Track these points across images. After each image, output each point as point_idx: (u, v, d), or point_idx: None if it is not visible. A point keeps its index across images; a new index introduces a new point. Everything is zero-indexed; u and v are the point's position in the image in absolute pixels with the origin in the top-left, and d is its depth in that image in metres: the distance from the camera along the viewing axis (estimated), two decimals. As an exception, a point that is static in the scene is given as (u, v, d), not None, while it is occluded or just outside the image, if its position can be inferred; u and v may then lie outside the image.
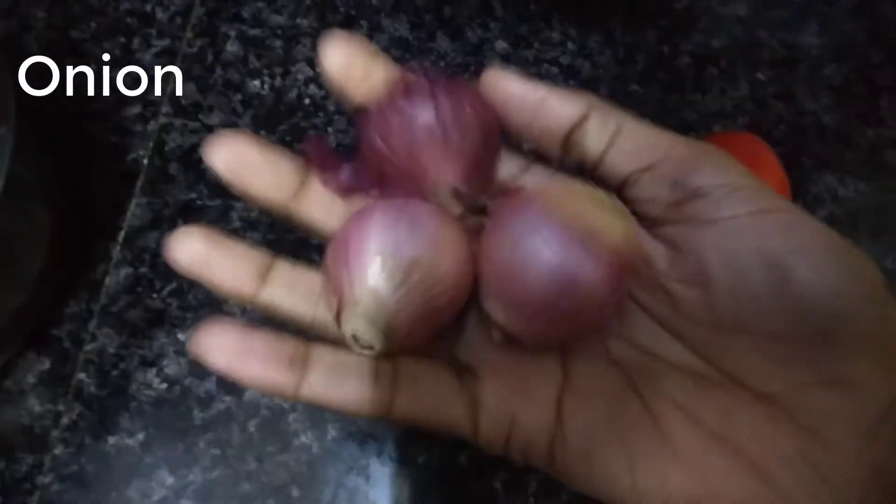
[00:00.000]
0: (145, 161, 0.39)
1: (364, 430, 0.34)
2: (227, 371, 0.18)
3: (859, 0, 0.45)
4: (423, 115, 0.19)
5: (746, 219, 0.18)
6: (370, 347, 0.17)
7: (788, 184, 0.36)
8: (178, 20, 0.42)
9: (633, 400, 0.19)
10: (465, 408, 0.19)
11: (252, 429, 0.34)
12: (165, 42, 0.42)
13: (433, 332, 0.19)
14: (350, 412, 0.19)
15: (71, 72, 0.40)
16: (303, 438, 0.34)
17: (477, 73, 0.39)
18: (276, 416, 0.34)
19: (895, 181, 0.40)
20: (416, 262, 0.17)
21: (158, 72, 0.41)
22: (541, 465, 0.19)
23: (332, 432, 0.34)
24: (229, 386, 0.35)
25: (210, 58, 0.41)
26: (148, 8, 0.42)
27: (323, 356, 0.19)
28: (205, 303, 0.36)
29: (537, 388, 0.19)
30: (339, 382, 0.19)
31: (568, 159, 0.20)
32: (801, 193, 0.39)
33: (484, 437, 0.19)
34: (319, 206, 0.20)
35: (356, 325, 0.17)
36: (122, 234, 0.38)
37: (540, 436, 0.19)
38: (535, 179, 0.21)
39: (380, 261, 0.17)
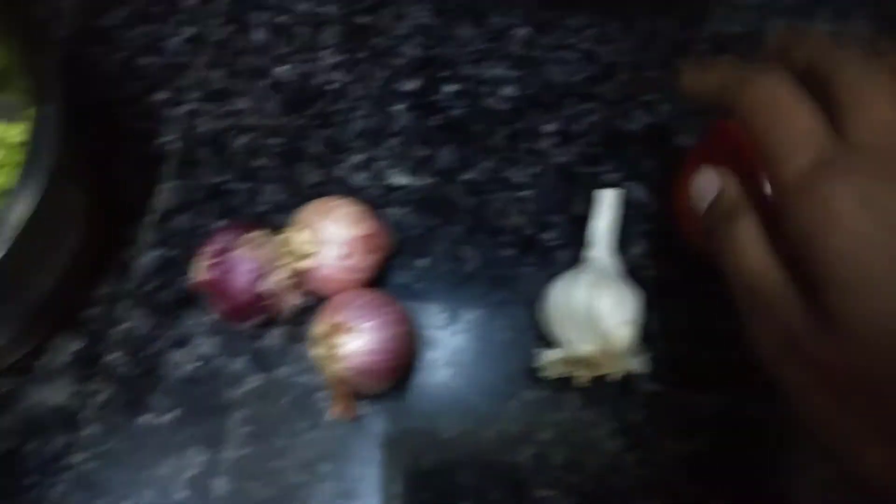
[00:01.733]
0: (175, 146, 0.40)
1: (392, 407, 0.35)
2: None
3: (876, -15, 0.45)
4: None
5: None
6: None
7: None
8: (207, 7, 0.43)
9: None
10: None
11: (282, 406, 0.35)
12: (194, 29, 0.42)
13: None
14: None
15: (101, 58, 0.41)
16: (337, 412, 0.34)
17: (499, 60, 0.40)
18: (307, 393, 0.35)
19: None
20: None
21: (187, 58, 0.41)
22: None
23: (361, 409, 0.35)
24: (260, 364, 0.35)
25: (238, 44, 0.42)
26: (172, -4, 0.43)
27: None
28: (235, 283, 0.37)
29: None
30: None
31: None
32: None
33: None
34: None
35: None
36: (152, 218, 0.39)
37: None
38: None
39: None
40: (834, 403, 0.22)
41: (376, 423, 0.35)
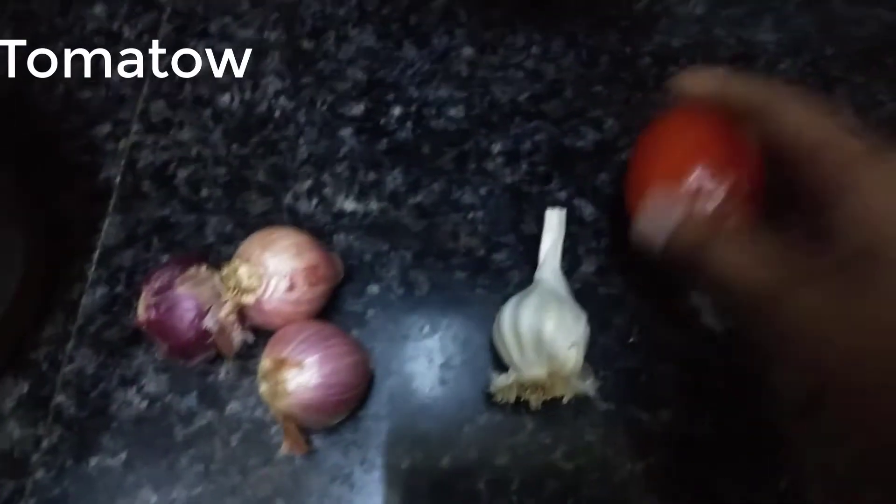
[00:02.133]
0: (117, 179, 0.39)
1: (346, 439, 0.34)
2: None
3: (811, -4, 0.46)
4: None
5: None
6: None
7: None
8: (146, 37, 0.42)
9: None
10: None
11: (234, 443, 0.34)
12: (134, 60, 0.42)
13: None
14: None
15: (41, 93, 0.40)
16: (288, 448, 0.34)
17: (444, 81, 0.40)
18: (258, 428, 0.34)
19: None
20: None
21: (128, 90, 0.41)
22: None
23: (315, 442, 0.34)
24: (210, 401, 0.35)
25: (179, 74, 0.41)
26: (115, 26, 0.42)
27: None
28: (182, 318, 0.36)
29: None
30: None
31: None
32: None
33: None
34: None
35: None
36: (96, 254, 0.38)
37: None
38: None
39: None
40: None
41: (330, 456, 0.34)
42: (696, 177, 0.30)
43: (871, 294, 0.21)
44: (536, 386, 0.32)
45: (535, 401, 0.33)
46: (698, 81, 0.31)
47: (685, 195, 0.30)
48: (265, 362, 0.31)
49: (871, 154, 0.24)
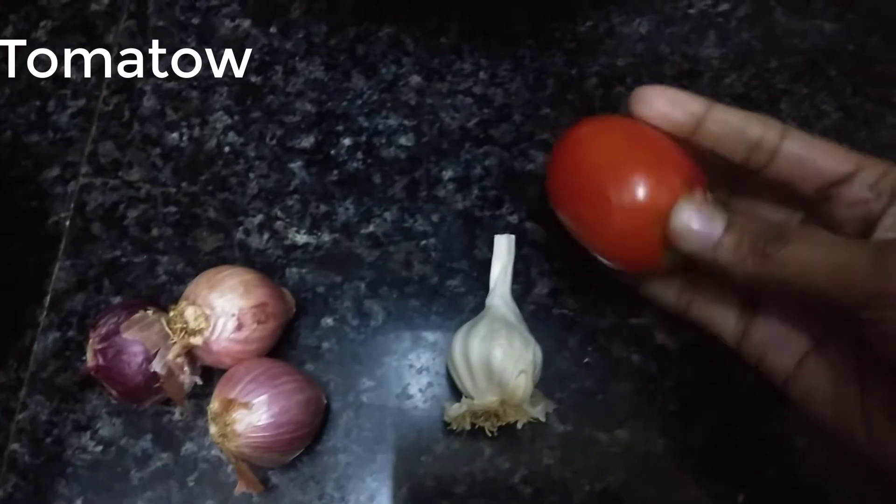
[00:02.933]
0: (67, 223, 0.39)
1: (304, 474, 0.34)
2: None
3: (753, 10, 0.47)
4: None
5: None
6: None
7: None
8: (94, 79, 0.42)
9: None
10: (735, 329, 0.29)
11: (191, 483, 0.34)
12: (81, 102, 0.42)
13: None
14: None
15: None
16: (243, 488, 0.33)
17: (393, 110, 0.40)
18: (214, 468, 0.34)
19: (798, 181, 0.42)
20: None
21: (75, 132, 0.41)
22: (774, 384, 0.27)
23: (272, 479, 0.34)
24: (165, 442, 0.35)
25: (127, 114, 0.41)
26: (61, 69, 0.42)
27: None
28: (136, 360, 0.36)
29: (792, 342, 0.27)
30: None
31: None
32: (711, 200, 0.41)
33: (739, 352, 0.29)
34: None
35: None
36: (48, 299, 0.38)
37: (779, 376, 0.27)
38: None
39: None
40: None
41: (288, 492, 0.34)
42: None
43: None
44: (489, 413, 0.32)
45: (489, 428, 0.33)
46: (669, 103, 0.29)
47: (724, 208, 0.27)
48: (214, 404, 0.31)
49: None
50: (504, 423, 0.33)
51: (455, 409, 0.33)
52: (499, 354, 0.31)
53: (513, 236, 0.38)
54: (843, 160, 0.25)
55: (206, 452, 0.35)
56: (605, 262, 0.31)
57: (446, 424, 0.34)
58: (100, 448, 0.35)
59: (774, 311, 0.28)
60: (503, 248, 0.37)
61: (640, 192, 0.28)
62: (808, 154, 0.26)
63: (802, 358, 0.27)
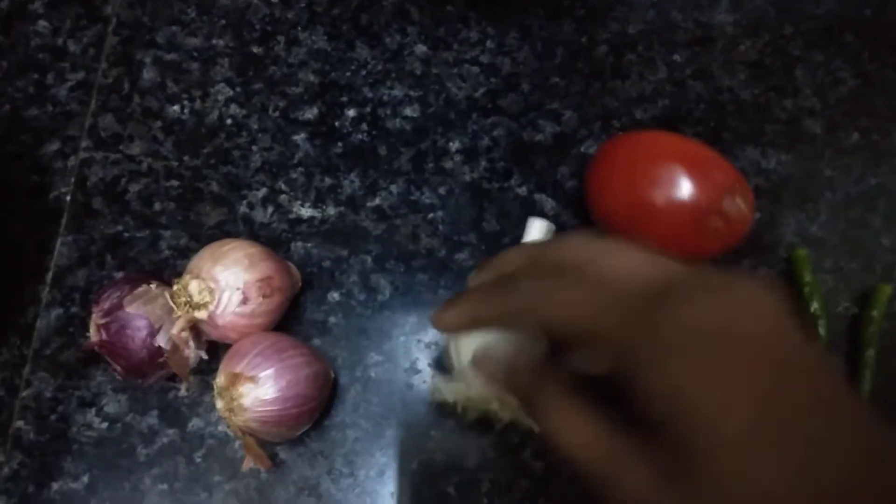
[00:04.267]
0: (68, 198, 0.38)
1: (312, 449, 0.34)
2: None
3: (767, -25, 0.46)
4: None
5: None
6: None
7: (727, 161, 0.35)
8: (92, 51, 0.41)
9: None
10: None
11: (198, 460, 0.34)
12: (80, 75, 0.41)
13: None
14: None
15: (-18, 114, 0.39)
16: (250, 463, 0.33)
17: (398, 80, 0.39)
18: (222, 444, 0.34)
19: (814, 149, 0.41)
20: None
21: (75, 106, 0.40)
22: None
23: (280, 454, 0.34)
24: (172, 419, 0.34)
25: (127, 87, 0.40)
26: (60, 42, 0.42)
27: None
28: (140, 336, 0.36)
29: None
30: None
31: None
32: (725, 170, 0.40)
33: None
34: None
35: None
36: (49, 275, 0.37)
37: None
38: None
39: None
40: None
41: (297, 467, 0.34)
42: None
43: (692, 482, 0.19)
44: (471, 400, 0.30)
45: (471, 415, 0.31)
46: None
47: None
48: (220, 378, 0.30)
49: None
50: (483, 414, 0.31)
51: (443, 391, 0.30)
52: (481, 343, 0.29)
53: (553, 226, 0.36)
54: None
55: (212, 428, 0.34)
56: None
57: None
58: (105, 425, 0.34)
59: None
60: (536, 234, 0.36)
61: (688, 190, 0.33)
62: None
63: None
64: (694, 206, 0.33)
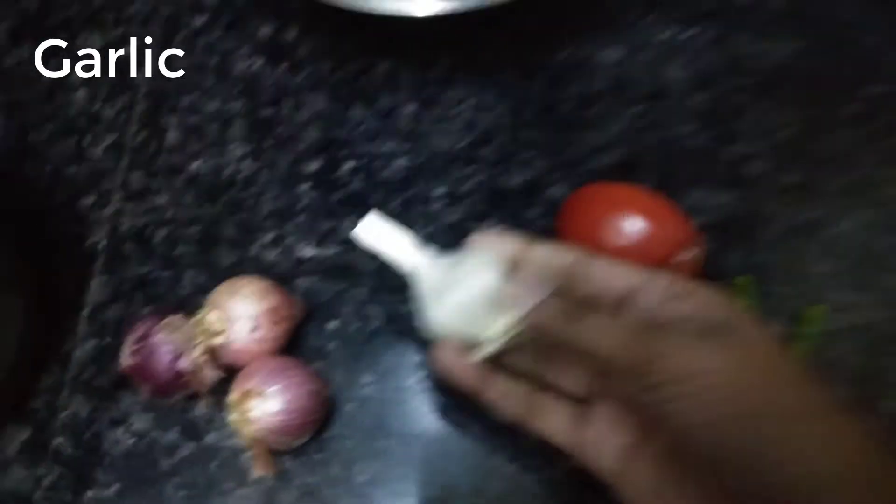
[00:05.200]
0: (103, 244, 0.44)
1: (313, 458, 0.39)
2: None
3: (716, 35, 0.51)
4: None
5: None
6: None
7: (683, 216, 0.40)
8: (124, 116, 0.48)
9: None
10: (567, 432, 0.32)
11: (213, 469, 0.39)
12: (113, 136, 0.47)
13: None
14: None
15: (32, 172, 0.45)
16: (259, 469, 0.38)
17: (390, 135, 0.44)
18: (234, 455, 0.39)
19: (757, 189, 0.46)
20: None
21: (109, 164, 0.46)
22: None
23: (285, 463, 0.39)
24: (191, 433, 0.39)
25: (154, 146, 0.47)
26: (96, 108, 0.48)
27: None
28: (164, 362, 0.41)
29: (618, 438, 0.31)
30: None
31: None
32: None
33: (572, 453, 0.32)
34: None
35: None
36: (86, 311, 0.43)
37: (608, 473, 0.31)
38: None
39: None
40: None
41: (299, 474, 0.38)
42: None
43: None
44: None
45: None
46: (497, 245, 0.33)
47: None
48: (233, 394, 0.35)
49: (681, 294, 0.28)
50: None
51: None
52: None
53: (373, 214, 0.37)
54: (632, 278, 0.30)
55: (226, 441, 0.39)
56: None
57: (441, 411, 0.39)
58: (133, 440, 0.39)
59: (602, 410, 0.31)
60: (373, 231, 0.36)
61: (645, 241, 0.38)
62: (605, 273, 0.30)
63: (628, 454, 0.30)
64: (652, 254, 0.37)
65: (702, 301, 0.28)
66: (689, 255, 0.39)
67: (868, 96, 0.50)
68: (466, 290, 0.32)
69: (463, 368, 0.32)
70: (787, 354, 0.26)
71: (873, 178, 0.47)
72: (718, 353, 0.26)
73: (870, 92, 0.50)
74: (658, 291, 0.29)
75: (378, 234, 0.36)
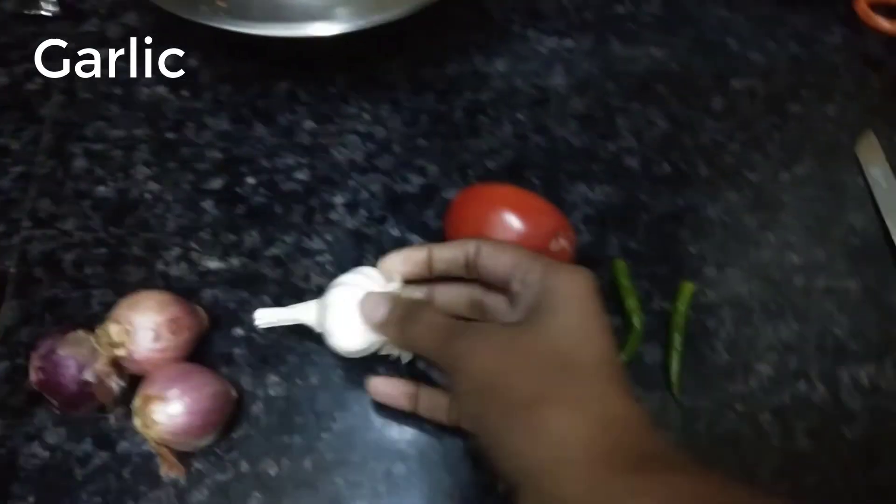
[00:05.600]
0: (13, 269, 0.46)
1: (222, 457, 0.41)
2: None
3: (593, 43, 0.56)
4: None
5: None
6: None
7: (555, 208, 0.44)
8: (31, 147, 0.50)
9: None
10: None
11: (126, 475, 0.40)
12: (21, 168, 0.49)
13: None
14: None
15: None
16: (173, 475, 0.40)
17: (290, 150, 0.47)
18: (146, 460, 0.41)
19: (632, 181, 0.50)
20: None
21: (17, 194, 0.48)
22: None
23: (195, 464, 0.41)
24: (104, 443, 0.41)
25: (60, 174, 0.49)
26: (2, 141, 0.50)
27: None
28: (76, 378, 0.42)
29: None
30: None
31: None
32: (560, 203, 0.49)
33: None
34: None
35: None
36: (-1, 335, 0.44)
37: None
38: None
39: None
40: None
41: (209, 473, 0.40)
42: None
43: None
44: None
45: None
46: (403, 261, 0.39)
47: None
48: (136, 400, 0.37)
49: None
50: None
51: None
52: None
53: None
54: (509, 263, 0.35)
55: (138, 448, 0.41)
56: None
57: (342, 405, 0.41)
58: (47, 453, 0.41)
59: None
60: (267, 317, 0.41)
61: (520, 233, 0.41)
62: (490, 261, 0.36)
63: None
64: (528, 245, 0.40)
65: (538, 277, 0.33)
66: (562, 243, 0.42)
67: (732, 91, 0.55)
68: (342, 315, 0.38)
69: (393, 396, 0.40)
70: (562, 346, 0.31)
71: (737, 166, 0.52)
72: (498, 349, 0.32)
73: (734, 86, 0.55)
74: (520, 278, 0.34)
75: (272, 317, 0.41)
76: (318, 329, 0.40)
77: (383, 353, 0.40)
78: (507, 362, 0.31)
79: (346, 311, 0.38)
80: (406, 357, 0.40)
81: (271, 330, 0.44)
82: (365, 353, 0.40)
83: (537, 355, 0.31)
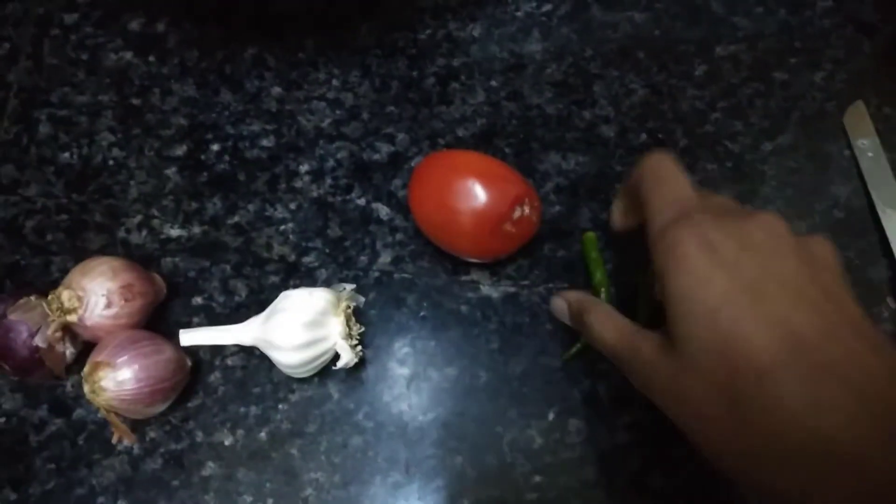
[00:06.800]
0: (-26, 236, 0.45)
1: (176, 426, 0.40)
2: None
3: (572, 7, 0.54)
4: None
5: None
6: None
7: (519, 175, 0.42)
8: (-5, 113, 0.49)
9: None
10: None
11: (81, 442, 0.40)
12: (-15, 134, 0.48)
13: None
14: None
15: None
16: (125, 442, 0.40)
17: (256, 117, 0.46)
18: (101, 428, 0.40)
19: (608, 150, 0.49)
20: None
21: (-20, 159, 0.47)
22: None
23: (150, 433, 0.40)
24: (59, 410, 0.41)
25: (25, 140, 0.48)
26: (-32, 107, 0.49)
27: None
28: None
29: None
30: None
31: None
32: (532, 173, 0.47)
33: None
34: None
35: None
36: (-41, 301, 0.44)
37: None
38: None
39: None
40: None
41: (163, 442, 0.40)
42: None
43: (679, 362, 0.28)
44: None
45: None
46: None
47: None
48: (86, 367, 0.37)
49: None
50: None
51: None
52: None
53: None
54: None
55: (93, 416, 0.41)
56: (460, 256, 0.43)
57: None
58: (3, 419, 0.41)
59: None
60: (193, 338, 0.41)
61: (483, 201, 0.40)
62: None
63: None
64: (489, 213, 0.40)
65: None
66: (526, 211, 0.41)
67: (715, 58, 0.53)
68: (287, 331, 0.38)
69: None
70: None
71: (716, 135, 0.50)
72: None
73: (718, 53, 0.53)
74: None
75: (197, 338, 0.41)
76: (260, 347, 0.40)
77: (338, 366, 0.39)
78: None
79: (291, 328, 0.38)
80: (353, 362, 0.39)
81: (231, 298, 0.44)
82: (311, 370, 0.40)
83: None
